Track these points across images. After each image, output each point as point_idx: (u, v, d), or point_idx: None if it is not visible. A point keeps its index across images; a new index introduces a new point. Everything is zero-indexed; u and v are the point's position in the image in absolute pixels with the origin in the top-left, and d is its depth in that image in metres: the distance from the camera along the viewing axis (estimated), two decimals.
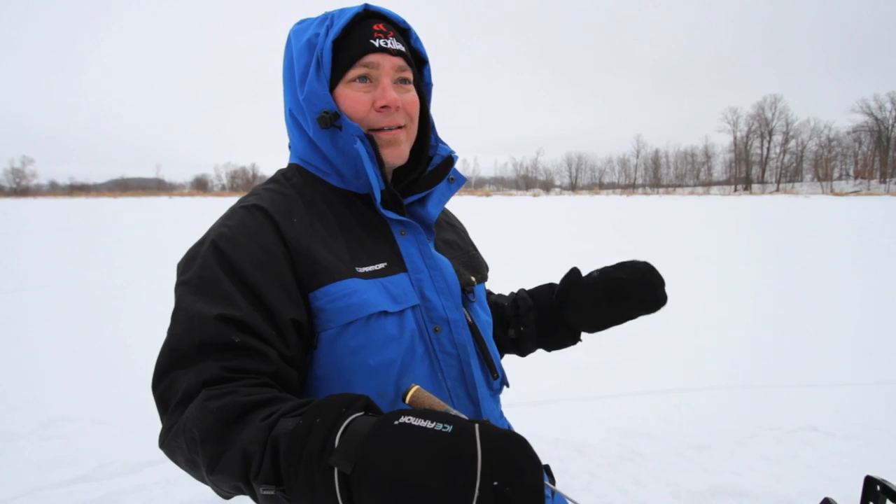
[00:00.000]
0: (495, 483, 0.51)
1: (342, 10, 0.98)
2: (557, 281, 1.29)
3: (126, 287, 8.26)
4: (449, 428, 0.55)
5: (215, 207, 32.57)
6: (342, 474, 0.56)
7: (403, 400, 0.75)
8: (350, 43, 0.95)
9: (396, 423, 0.56)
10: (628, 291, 1.12)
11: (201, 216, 26.02)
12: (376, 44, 0.95)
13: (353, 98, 0.95)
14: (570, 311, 1.18)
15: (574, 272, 1.21)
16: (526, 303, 1.27)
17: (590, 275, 1.17)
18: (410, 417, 0.57)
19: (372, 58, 0.95)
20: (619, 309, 1.14)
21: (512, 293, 1.35)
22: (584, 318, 1.17)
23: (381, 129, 0.98)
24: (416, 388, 0.76)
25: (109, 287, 8.29)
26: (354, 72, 0.95)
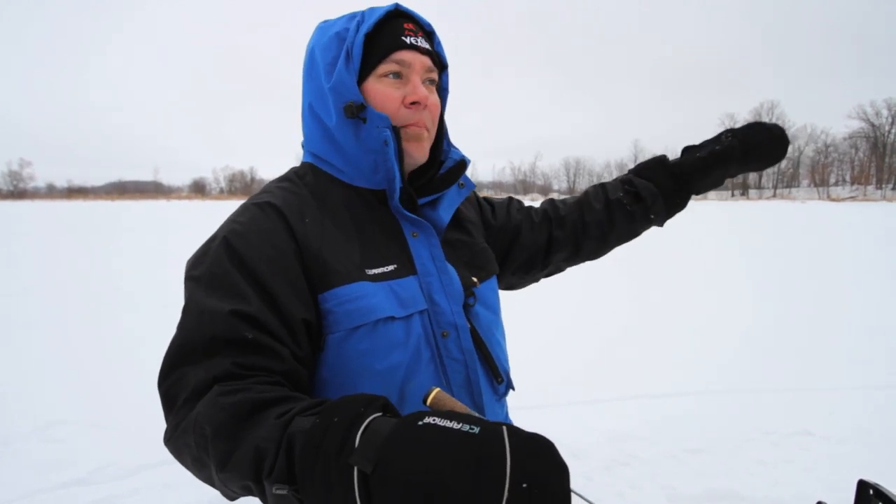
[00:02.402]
0: (524, 485, 0.49)
1: (373, 9, 0.98)
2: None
3: (125, 290, 8.24)
4: (476, 429, 0.54)
5: (213, 210, 32.53)
6: (362, 474, 0.54)
7: (424, 402, 0.72)
8: (382, 38, 0.95)
9: (420, 423, 0.55)
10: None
11: (199, 219, 25.98)
12: (408, 41, 0.95)
13: (383, 93, 0.95)
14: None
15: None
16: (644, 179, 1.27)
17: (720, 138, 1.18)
18: (435, 418, 0.55)
19: (404, 54, 0.95)
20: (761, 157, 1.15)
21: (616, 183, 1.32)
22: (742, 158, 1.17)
23: (407, 125, 0.97)
24: (437, 390, 0.73)
25: (108, 290, 8.27)
26: (386, 67, 0.95)
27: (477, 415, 0.61)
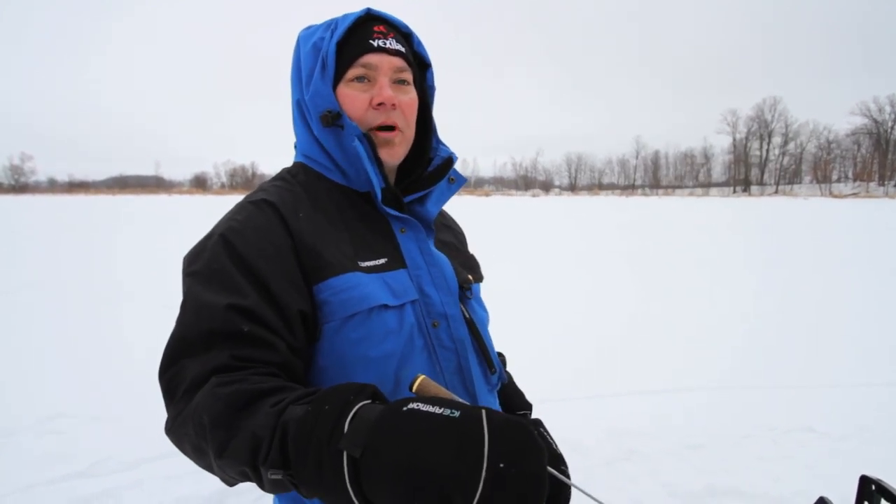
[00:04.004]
0: (501, 465, 0.52)
1: (346, 15, 1.01)
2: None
3: (125, 284, 8.26)
4: (456, 413, 0.57)
5: (215, 205, 32.58)
6: (351, 458, 0.57)
7: (410, 389, 0.75)
8: (351, 44, 0.98)
9: (405, 409, 0.58)
10: None
11: (200, 214, 26.02)
12: (375, 44, 0.98)
13: (351, 97, 0.98)
14: None
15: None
16: None
17: None
18: (419, 404, 0.58)
19: (370, 58, 0.98)
20: None
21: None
22: None
23: (378, 129, 1.00)
24: (422, 377, 0.75)
25: (109, 284, 8.29)
26: (353, 71, 0.98)
27: (459, 400, 0.64)
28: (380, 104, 0.98)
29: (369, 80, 0.99)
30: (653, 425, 3.41)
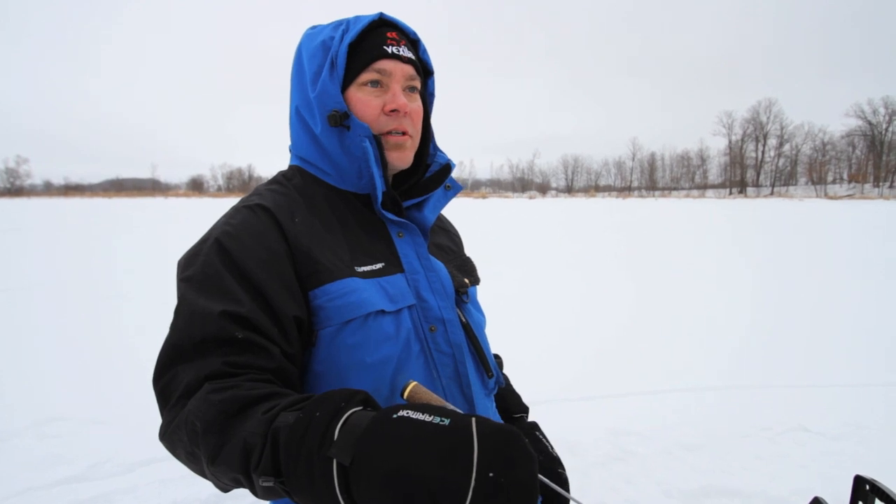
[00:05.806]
0: (491, 474, 0.52)
1: (358, 17, 1.00)
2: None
3: (122, 287, 8.23)
4: (446, 421, 0.56)
5: (211, 208, 32.49)
6: (341, 466, 0.57)
7: (402, 395, 0.75)
8: (364, 48, 0.98)
9: (395, 416, 0.58)
10: None
11: (197, 216, 25.96)
12: (389, 50, 0.98)
13: (363, 101, 0.98)
14: None
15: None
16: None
17: None
18: (409, 411, 0.58)
19: (384, 64, 0.98)
20: None
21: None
22: None
23: (388, 133, 1.00)
24: (414, 384, 0.75)
25: (106, 287, 8.25)
26: (367, 76, 0.98)
27: (451, 407, 0.65)
28: (392, 111, 0.98)
29: (382, 86, 0.99)
30: (649, 426, 3.41)
